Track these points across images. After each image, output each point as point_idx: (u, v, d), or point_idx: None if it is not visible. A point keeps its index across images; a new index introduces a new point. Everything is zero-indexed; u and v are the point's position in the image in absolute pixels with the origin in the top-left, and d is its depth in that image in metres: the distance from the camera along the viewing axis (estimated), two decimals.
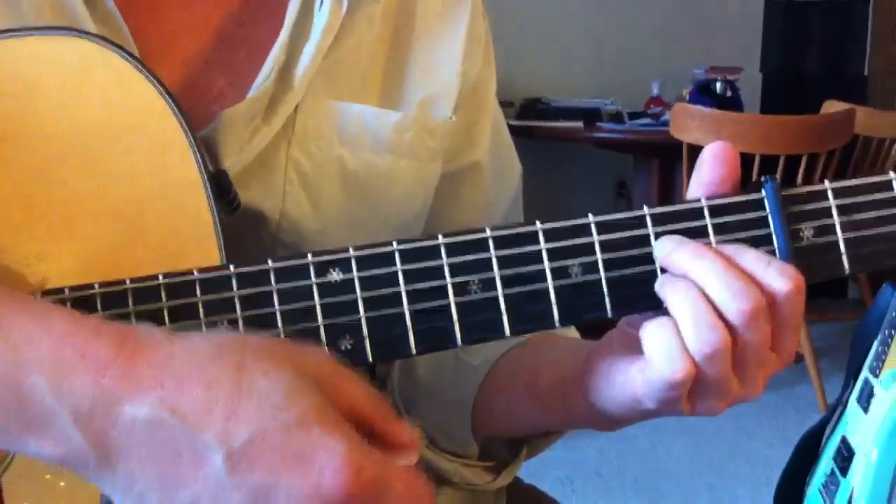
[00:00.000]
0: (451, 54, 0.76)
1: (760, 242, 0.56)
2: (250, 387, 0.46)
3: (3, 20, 0.62)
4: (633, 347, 0.58)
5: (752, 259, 0.55)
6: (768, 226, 0.57)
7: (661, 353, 0.53)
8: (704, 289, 0.54)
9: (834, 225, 0.57)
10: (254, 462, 0.45)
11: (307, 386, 0.47)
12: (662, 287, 0.55)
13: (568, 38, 4.36)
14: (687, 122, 2.98)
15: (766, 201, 0.57)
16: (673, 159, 3.44)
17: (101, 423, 0.46)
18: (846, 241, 0.57)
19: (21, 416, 0.47)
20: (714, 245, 0.56)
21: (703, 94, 3.80)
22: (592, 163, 4.27)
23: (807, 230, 0.57)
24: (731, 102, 3.79)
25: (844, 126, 3.02)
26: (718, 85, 3.86)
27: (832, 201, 0.57)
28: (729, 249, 0.55)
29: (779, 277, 0.54)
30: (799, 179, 2.88)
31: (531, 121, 3.73)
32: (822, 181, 0.57)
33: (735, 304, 0.53)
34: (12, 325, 0.47)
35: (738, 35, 4.53)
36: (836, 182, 0.57)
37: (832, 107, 3.46)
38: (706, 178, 0.57)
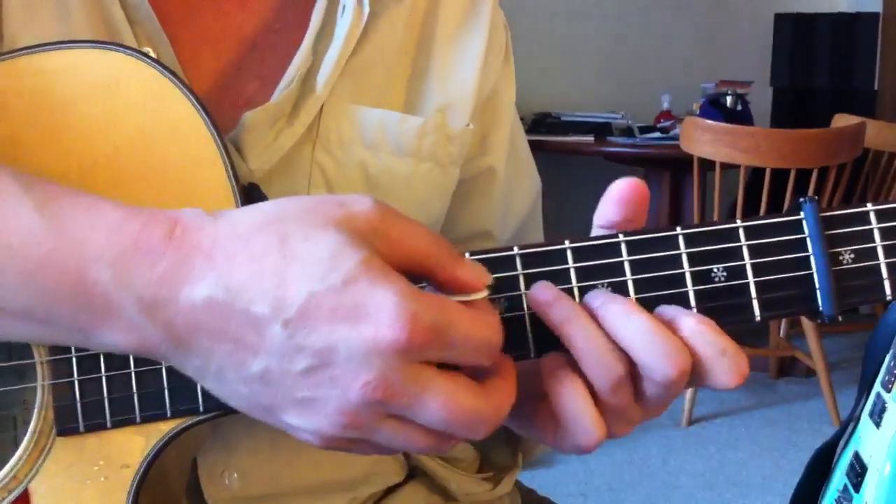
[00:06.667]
0: (469, 63, 0.77)
1: (799, 266, 0.55)
2: (294, 254, 0.47)
3: (55, 33, 0.64)
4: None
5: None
6: (807, 249, 0.55)
7: (578, 425, 0.53)
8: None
9: (876, 248, 0.55)
10: (310, 325, 0.46)
11: (351, 242, 0.48)
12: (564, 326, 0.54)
13: (578, 52, 4.37)
14: (697, 135, 2.98)
15: (804, 223, 0.55)
16: (683, 173, 3.44)
17: (165, 311, 0.48)
18: (889, 265, 0.55)
19: (91, 309, 0.49)
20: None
21: (713, 107, 3.80)
22: (602, 177, 4.24)
23: (847, 253, 0.55)
24: (741, 116, 3.79)
25: (855, 140, 3.01)
26: (728, 99, 3.87)
27: (875, 224, 0.55)
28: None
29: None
30: (810, 193, 2.88)
31: (542, 135, 3.74)
32: (863, 202, 0.56)
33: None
34: (67, 218, 0.49)
35: (748, 49, 4.54)
36: (879, 204, 0.56)
37: (842, 120, 3.46)
38: (608, 217, 0.59)
